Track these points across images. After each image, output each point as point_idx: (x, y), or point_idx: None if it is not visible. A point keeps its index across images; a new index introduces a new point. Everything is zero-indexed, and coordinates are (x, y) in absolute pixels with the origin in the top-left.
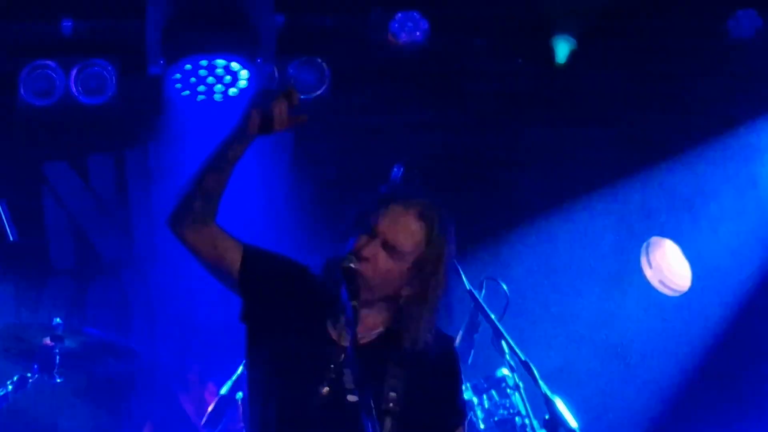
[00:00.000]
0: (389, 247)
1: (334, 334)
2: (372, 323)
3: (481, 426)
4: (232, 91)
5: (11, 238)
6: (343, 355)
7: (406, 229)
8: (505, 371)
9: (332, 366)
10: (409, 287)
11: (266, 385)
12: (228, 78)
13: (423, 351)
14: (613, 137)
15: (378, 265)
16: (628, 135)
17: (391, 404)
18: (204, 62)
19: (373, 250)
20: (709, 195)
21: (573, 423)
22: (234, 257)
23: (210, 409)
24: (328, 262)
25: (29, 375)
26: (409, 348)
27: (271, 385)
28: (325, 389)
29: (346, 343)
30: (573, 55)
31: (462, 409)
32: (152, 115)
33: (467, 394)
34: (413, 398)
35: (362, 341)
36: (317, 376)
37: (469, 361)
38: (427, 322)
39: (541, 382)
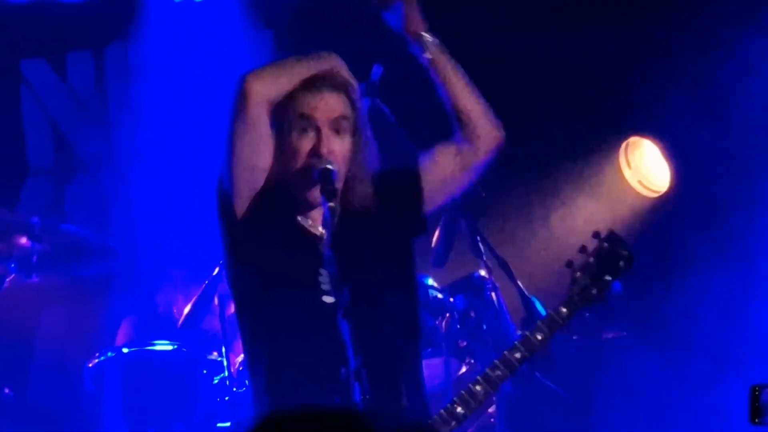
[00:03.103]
0: (336, 130)
1: (305, 222)
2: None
3: (458, 326)
4: None
5: None
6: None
7: (337, 105)
8: (482, 272)
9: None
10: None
11: (247, 292)
12: None
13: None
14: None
15: (338, 153)
16: (611, 39)
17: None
18: None
19: (329, 144)
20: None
21: None
22: (262, 177)
23: (187, 310)
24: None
25: (6, 274)
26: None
27: (254, 292)
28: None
29: (318, 229)
30: None
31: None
32: (132, 12)
33: (443, 295)
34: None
35: None
36: (297, 278)
37: (446, 262)
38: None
39: (519, 282)
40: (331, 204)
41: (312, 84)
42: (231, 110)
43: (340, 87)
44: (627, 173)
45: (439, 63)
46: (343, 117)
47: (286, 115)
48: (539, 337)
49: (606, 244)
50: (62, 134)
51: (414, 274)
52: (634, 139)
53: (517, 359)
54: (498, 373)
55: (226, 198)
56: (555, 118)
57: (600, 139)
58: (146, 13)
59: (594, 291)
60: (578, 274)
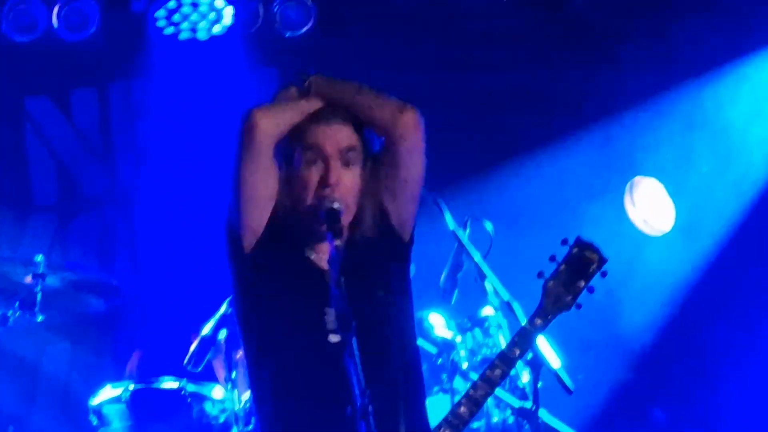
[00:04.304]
0: (345, 162)
1: (312, 256)
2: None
3: (464, 365)
4: (217, 28)
5: None
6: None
7: (345, 136)
8: (488, 310)
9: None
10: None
11: (255, 327)
12: (212, 15)
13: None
14: (599, 78)
15: (347, 185)
16: (615, 76)
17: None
18: None
19: (337, 174)
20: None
21: (556, 362)
22: (268, 208)
23: (192, 348)
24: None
25: (10, 313)
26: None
27: (262, 327)
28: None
29: (325, 264)
30: None
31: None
32: (136, 51)
33: (452, 332)
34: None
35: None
36: (304, 316)
37: (453, 300)
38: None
39: (523, 321)
40: (337, 242)
41: (319, 116)
42: (237, 145)
43: (348, 118)
44: (631, 212)
45: (324, 92)
46: (351, 148)
47: (294, 148)
48: (516, 352)
49: (575, 250)
50: (66, 172)
51: (410, 305)
52: (638, 179)
53: (497, 376)
54: (480, 392)
55: (234, 233)
56: (560, 158)
57: (604, 178)
58: (150, 50)
59: (568, 298)
60: (550, 283)
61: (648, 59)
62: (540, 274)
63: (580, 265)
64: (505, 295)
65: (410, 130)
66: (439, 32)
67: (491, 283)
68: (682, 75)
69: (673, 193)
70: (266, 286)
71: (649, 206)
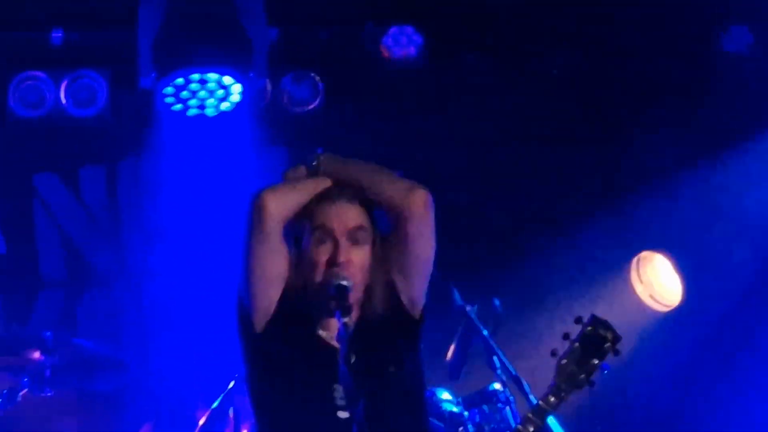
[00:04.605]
0: (354, 241)
1: (323, 334)
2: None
3: None
4: (225, 105)
5: (1, 251)
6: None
7: (353, 215)
8: (496, 386)
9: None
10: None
11: (267, 403)
12: (220, 92)
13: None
14: (607, 155)
15: (356, 263)
16: (621, 153)
17: None
18: (196, 76)
19: (346, 253)
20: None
21: None
22: (279, 288)
23: (202, 422)
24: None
25: (19, 388)
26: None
27: (274, 404)
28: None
29: (335, 341)
30: (567, 70)
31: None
32: (144, 127)
33: (459, 407)
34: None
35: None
36: (314, 393)
37: (461, 375)
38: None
39: (531, 397)
40: (346, 320)
41: (328, 195)
42: (246, 226)
43: (356, 197)
44: (638, 288)
45: (333, 172)
46: (360, 227)
47: (303, 228)
48: (530, 429)
49: (589, 328)
50: (75, 248)
51: (421, 381)
52: (645, 254)
53: None
54: None
55: (245, 312)
56: (567, 234)
57: (611, 255)
58: (158, 127)
59: (582, 376)
60: (564, 361)
61: (662, 139)
62: (553, 352)
63: (594, 343)
64: (513, 372)
65: (420, 209)
66: (450, 108)
67: (499, 359)
68: (697, 153)
69: (683, 268)
70: (277, 363)
71: (656, 282)
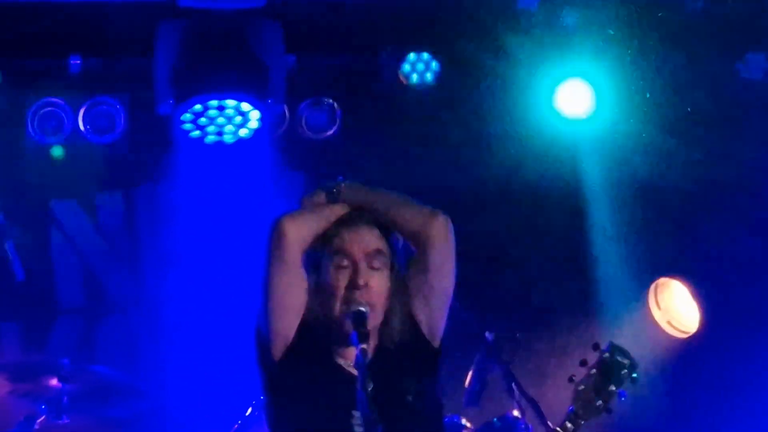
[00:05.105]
0: (373, 265)
1: (341, 362)
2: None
3: None
4: (243, 132)
5: (19, 278)
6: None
7: (372, 240)
8: (515, 413)
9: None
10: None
11: (285, 430)
12: (239, 119)
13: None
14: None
15: (375, 288)
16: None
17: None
18: (214, 102)
19: (365, 277)
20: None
21: None
22: (298, 315)
23: None
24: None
25: (36, 416)
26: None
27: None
28: None
29: (354, 369)
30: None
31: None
32: (162, 154)
33: None
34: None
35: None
36: (332, 420)
37: (480, 401)
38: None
39: (549, 423)
40: (363, 346)
41: (346, 221)
42: (266, 253)
43: (374, 222)
44: (656, 314)
45: (354, 200)
46: (379, 252)
47: (321, 254)
48: None
49: (607, 354)
50: (92, 274)
51: (440, 410)
52: (663, 280)
53: None
54: None
55: (263, 339)
56: (582, 262)
57: (629, 281)
58: (176, 154)
59: (599, 403)
60: (581, 387)
61: None
62: (570, 379)
63: (612, 369)
64: (531, 398)
65: (441, 236)
66: (468, 134)
67: (517, 385)
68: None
69: (699, 295)
70: (295, 391)
71: (674, 308)
